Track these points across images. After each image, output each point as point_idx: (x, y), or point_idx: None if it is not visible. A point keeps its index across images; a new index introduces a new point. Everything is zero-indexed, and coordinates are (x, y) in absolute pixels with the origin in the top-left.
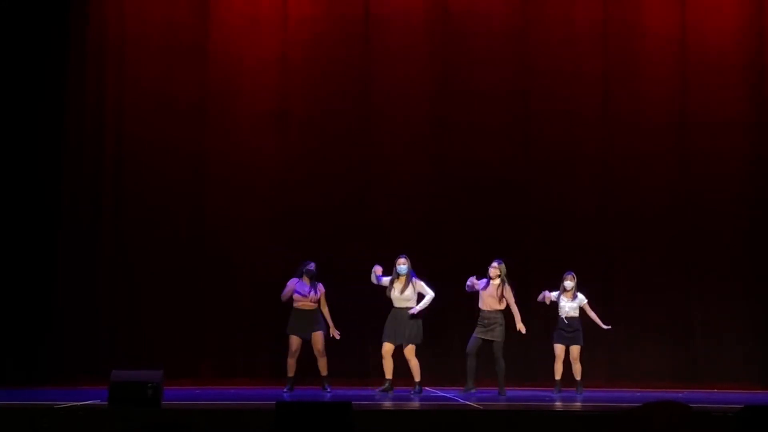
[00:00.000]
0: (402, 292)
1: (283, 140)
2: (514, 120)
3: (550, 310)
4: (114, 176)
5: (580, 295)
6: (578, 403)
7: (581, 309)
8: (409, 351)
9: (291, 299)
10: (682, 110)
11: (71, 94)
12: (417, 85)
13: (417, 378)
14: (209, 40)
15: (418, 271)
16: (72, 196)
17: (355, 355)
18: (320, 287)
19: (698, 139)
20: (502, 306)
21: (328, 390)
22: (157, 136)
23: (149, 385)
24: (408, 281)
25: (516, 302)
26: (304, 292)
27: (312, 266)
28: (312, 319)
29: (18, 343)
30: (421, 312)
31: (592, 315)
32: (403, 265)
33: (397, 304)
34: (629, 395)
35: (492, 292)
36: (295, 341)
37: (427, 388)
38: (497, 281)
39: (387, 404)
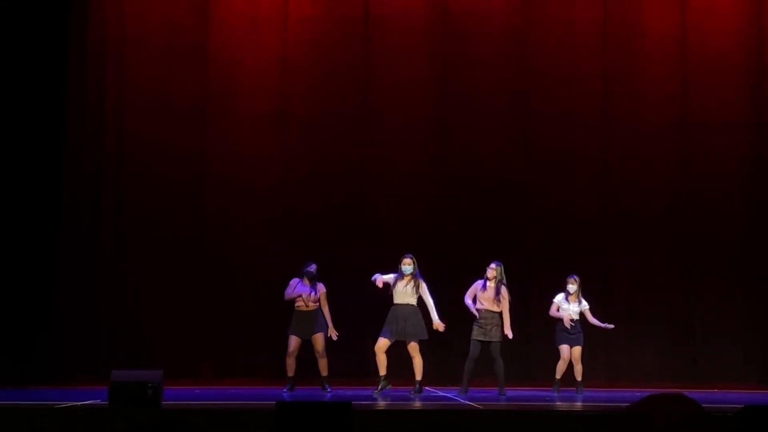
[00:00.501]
0: (404, 288)
1: (283, 140)
2: (514, 120)
3: (548, 311)
4: (114, 176)
5: (584, 302)
6: (578, 403)
7: (581, 313)
8: (413, 348)
9: (293, 300)
10: (682, 110)
11: (71, 94)
12: (417, 85)
13: (418, 376)
14: (209, 40)
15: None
16: (72, 196)
17: (355, 355)
18: (320, 287)
19: (698, 139)
20: (500, 308)
21: (329, 390)
22: (157, 136)
23: (149, 385)
24: (412, 281)
25: (513, 303)
26: (303, 293)
27: (312, 268)
28: (312, 320)
29: (18, 343)
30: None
31: (594, 321)
32: (408, 265)
33: (398, 299)
34: (629, 395)
35: (490, 294)
36: (293, 341)
37: (427, 388)
38: (494, 283)
39: (387, 404)
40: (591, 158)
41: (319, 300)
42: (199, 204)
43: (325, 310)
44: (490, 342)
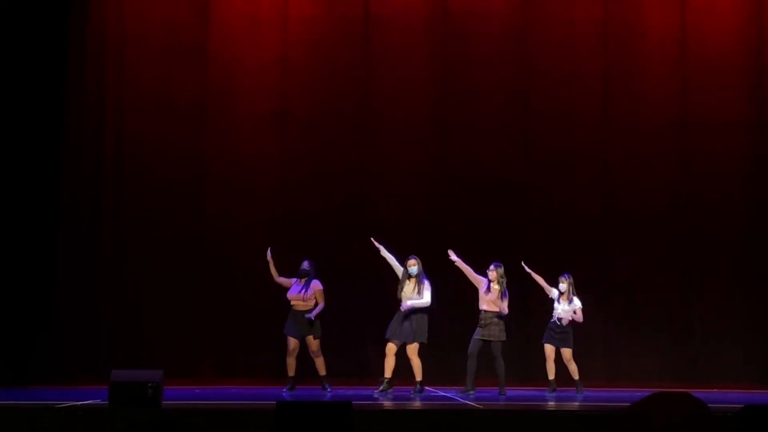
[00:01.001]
0: (411, 291)
1: (283, 140)
2: (514, 120)
3: (549, 311)
4: (114, 176)
5: (577, 301)
6: (578, 403)
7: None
8: (412, 349)
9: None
10: (682, 110)
11: (71, 94)
12: (417, 85)
13: (418, 377)
14: (209, 41)
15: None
16: (72, 196)
17: (355, 355)
18: (315, 285)
19: (698, 139)
20: (496, 308)
21: (328, 390)
22: (157, 136)
23: (149, 385)
24: (418, 282)
25: (513, 304)
26: (295, 292)
27: (304, 265)
28: (306, 319)
29: (18, 343)
30: (411, 308)
31: (575, 317)
32: (413, 266)
33: (404, 301)
34: (629, 395)
35: (492, 297)
36: (291, 341)
37: (427, 388)
38: (497, 284)
39: (387, 404)
40: (591, 158)
41: (314, 298)
42: (199, 204)
43: (312, 302)
44: (491, 341)
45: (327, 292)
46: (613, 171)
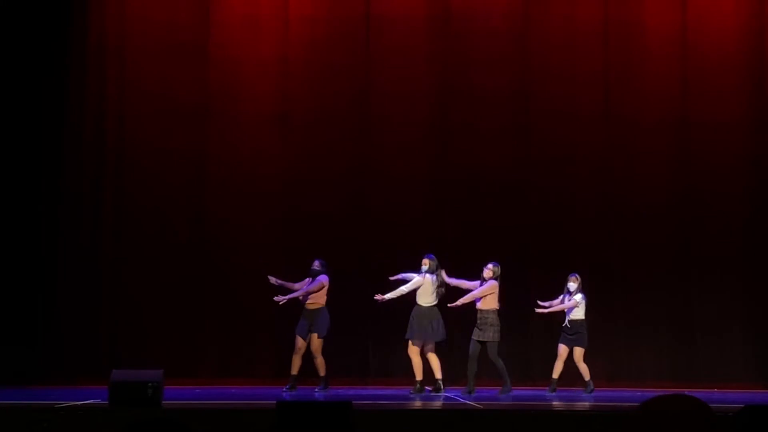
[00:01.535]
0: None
1: (283, 141)
2: (514, 120)
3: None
4: (115, 176)
5: (577, 296)
6: (578, 403)
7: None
8: (413, 349)
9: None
10: (682, 110)
11: (72, 95)
12: (417, 85)
13: (419, 376)
14: (209, 41)
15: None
16: (72, 196)
17: (356, 355)
18: (320, 278)
19: (699, 139)
20: (488, 306)
21: (316, 390)
22: (158, 137)
23: (149, 385)
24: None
25: (512, 303)
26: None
27: (315, 264)
28: (311, 318)
29: (18, 343)
30: (386, 299)
31: (563, 306)
32: (425, 265)
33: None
34: (629, 395)
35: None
36: (298, 339)
37: (427, 387)
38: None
39: (387, 404)
40: (591, 158)
41: (317, 293)
42: (199, 204)
43: (297, 286)
44: (486, 342)
45: (327, 292)
46: (613, 171)
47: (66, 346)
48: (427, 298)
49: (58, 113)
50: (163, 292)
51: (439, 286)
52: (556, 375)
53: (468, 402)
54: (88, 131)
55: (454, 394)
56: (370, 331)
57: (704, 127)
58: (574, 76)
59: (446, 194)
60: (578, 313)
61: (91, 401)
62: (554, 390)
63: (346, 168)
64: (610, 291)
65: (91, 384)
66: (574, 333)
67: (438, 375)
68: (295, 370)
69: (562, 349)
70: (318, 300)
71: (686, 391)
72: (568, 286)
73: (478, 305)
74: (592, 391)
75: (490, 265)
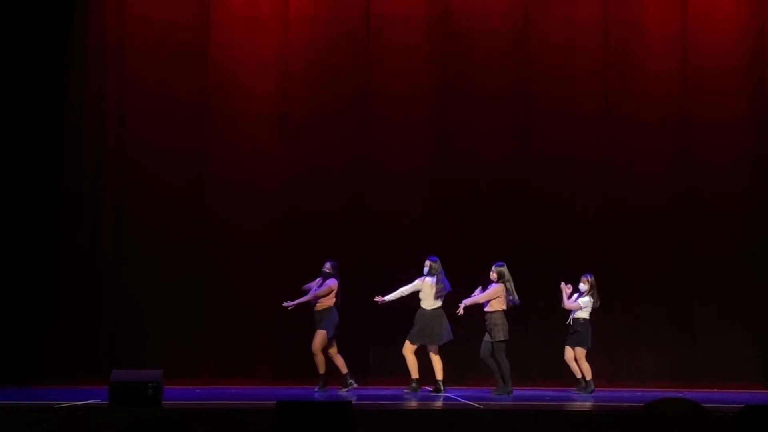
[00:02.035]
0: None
1: (283, 141)
2: (514, 120)
3: (549, 311)
4: (115, 176)
5: (584, 298)
6: (578, 403)
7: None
8: (407, 348)
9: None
10: (682, 109)
11: (72, 95)
12: (417, 85)
13: (414, 375)
14: (209, 41)
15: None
16: (73, 196)
17: (356, 355)
18: (329, 282)
19: (699, 139)
20: (493, 308)
21: (316, 390)
22: (158, 136)
23: (149, 385)
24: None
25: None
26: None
27: (326, 266)
28: (319, 317)
29: (18, 343)
30: (386, 301)
31: (570, 303)
32: (425, 267)
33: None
34: (629, 395)
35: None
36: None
37: (426, 387)
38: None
39: (387, 404)
40: (592, 158)
41: (325, 296)
42: (199, 204)
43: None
44: (493, 342)
45: (336, 294)
46: (613, 171)
47: (66, 346)
48: (429, 300)
49: (58, 113)
50: (163, 292)
51: (440, 290)
52: (578, 375)
53: (468, 402)
54: (88, 131)
55: (454, 394)
56: (370, 331)
57: (704, 127)
58: (574, 76)
59: (446, 194)
60: (582, 313)
61: (91, 401)
62: (585, 388)
63: (346, 168)
64: (610, 291)
65: (91, 384)
66: (574, 332)
67: (439, 376)
68: (321, 369)
69: (567, 352)
70: (326, 302)
71: (686, 392)
72: (579, 286)
73: (486, 308)
74: (592, 391)
75: (494, 267)
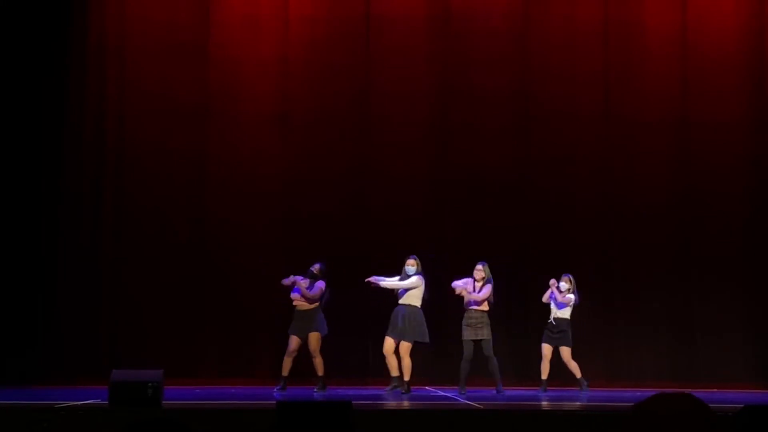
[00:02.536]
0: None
1: (283, 140)
2: (514, 120)
3: (549, 311)
4: (115, 176)
5: (570, 296)
6: (578, 403)
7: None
8: (405, 348)
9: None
10: (682, 109)
11: (72, 95)
12: (417, 85)
13: (406, 377)
14: (209, 41)
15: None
16: (73, 196)
17: (356, 355)
18: (320, 285)
19: (699, 139)
20: (486, 307)
21: (315, 391)
22: (158, 136)
23: (149, 385)
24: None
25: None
26: (297, 292)
27: (314, 266)
28: (309, 319)
29: (18, 343)
30: (377, 283)
31: (563, 297)
32: (411, 266)
33: (401, 300)
34: (629, 395)
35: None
36: (293, 340)
37: (427, 387)
38: (482, 283)
39: (387, 404)
40: (592, 158)
41: (316, 298)
42: (199, 204)
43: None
44: (481, 340)
45: (322, 295)
46: (613, 171)
47: (66, 346)
48: (419, 299)
49: (58, 113)
50: (163, 292)
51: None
52: (545, 376)
53: (468, 402)
54: (88, 131)
55: (452, 395)
56: (370, 331)
57: (704, 127)
58: (574, 76)
59: (446, 194)
60: (565, 312)
61: (91, 401)
62: (545, 390)
63: (346, 168)
64: (610, 291)
65: (91, 384)
66: (559, 332)
67: (408, 377)
68: (285, 372)
69: (546, 349)
70: (313, 304)
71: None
72: (559, 285)
73: (474, 306)
74: (587, 387)
75: (479, 266)
